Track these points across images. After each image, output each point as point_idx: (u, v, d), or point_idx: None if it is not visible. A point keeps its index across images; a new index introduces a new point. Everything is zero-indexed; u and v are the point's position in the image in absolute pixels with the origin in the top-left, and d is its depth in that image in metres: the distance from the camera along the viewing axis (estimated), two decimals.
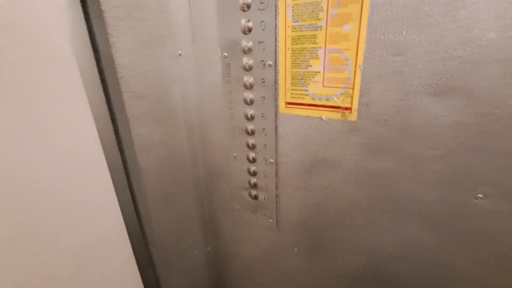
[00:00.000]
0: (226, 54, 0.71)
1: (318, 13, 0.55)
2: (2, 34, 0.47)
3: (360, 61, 0.54)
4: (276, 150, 0.73)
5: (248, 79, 0.69)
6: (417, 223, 0.62)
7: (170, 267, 0.94)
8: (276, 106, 0.68)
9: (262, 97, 0.69)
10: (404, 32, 0.49)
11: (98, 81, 0.61)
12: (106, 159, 0.65)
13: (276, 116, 0.69)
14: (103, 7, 0.59)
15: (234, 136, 0.79)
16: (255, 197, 0.84)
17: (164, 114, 0.78)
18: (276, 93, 0.67)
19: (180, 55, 0.78)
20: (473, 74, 0.46)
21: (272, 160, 0.75)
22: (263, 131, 0.73)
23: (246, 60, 0.68)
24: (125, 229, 0.73)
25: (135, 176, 0.74)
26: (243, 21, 0.65)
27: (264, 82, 0.67)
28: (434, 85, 0.49)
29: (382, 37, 0.51)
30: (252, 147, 0.76)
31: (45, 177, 0.56)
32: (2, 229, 0.52)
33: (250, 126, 0.74)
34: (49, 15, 0.51)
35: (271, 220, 0.85)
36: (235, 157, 0.82)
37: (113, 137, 0.66)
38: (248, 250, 0.98)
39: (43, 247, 0.59)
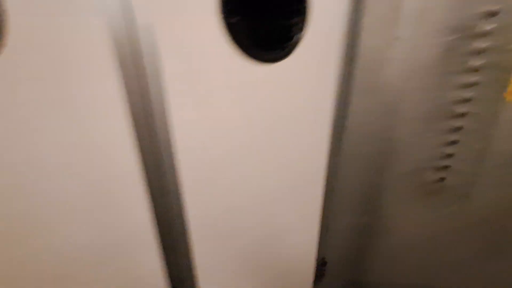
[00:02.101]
0: (451, 38, 0.75)
1: None
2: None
3: None
4: (487, 137, 0.73)
5: (474, 63, 0.72)
6: None
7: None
8: (503, 93, 0.68)
9: (484, 82, 0.71)
10: None
11: None
12: None
13: (498, 103, 0.70)
14: None
15: (436, 116, 0.83)
16: (441, 180, 0.86)
17: (373, 85, 0.89)
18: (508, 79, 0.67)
19: (397, 38, 0.87)
20: None
21: (477, 146, 0.76)
22: (476, 116, 0.74)
23: (477, 44, 0.70)
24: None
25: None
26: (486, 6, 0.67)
27: (492, 67, 0.68)
28: None
29: None
30: (457, 130, 0.79)
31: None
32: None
33: (462, 109, 0.77)
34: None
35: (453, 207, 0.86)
36: (428, 137, 0.86)
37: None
38: (408, 233, 1.02)
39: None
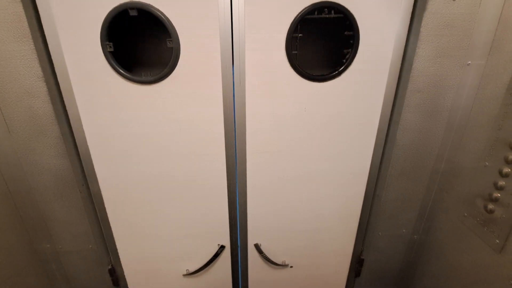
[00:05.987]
0: None
1: None
2: None
3: None
4: None
5: None
6: None
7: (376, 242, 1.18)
8: None
9: None
10: None
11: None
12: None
13: None
14: (421, 29, 0.84)
15: (494, 146, 0.83)
16: (490, 211, 0.85)
17: (430, 108, 0.95)
18: None
19: (468, 64, 0.89)
20: None
21: None
22: None
23: None
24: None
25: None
26: None
27: None
28: None
29: None
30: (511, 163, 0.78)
31: None
32: None
33: None
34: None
35: (497, 241, 0.84)
36: (485, 166, 0.86)
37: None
38: (454, 259, 1.01)
39: None
